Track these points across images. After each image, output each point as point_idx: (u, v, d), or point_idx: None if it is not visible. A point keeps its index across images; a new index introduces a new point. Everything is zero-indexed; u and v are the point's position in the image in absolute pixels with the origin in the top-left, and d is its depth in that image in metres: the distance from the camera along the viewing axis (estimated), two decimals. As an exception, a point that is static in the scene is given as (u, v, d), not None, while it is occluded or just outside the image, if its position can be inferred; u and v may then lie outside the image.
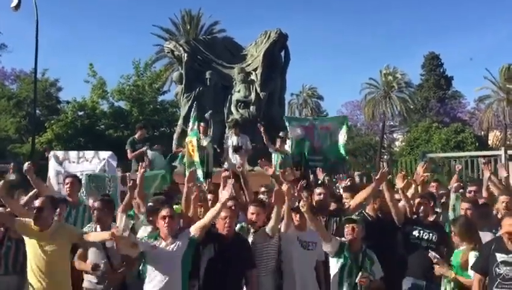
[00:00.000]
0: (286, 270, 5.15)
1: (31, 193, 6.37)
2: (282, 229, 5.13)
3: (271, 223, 5.05)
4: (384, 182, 5.73)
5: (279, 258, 5.20)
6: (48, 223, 4.64)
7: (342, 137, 10.07)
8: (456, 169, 8.65)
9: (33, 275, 4.54)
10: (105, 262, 4.91)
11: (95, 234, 4.96)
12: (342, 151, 10.04)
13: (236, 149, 9.43)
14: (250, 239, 5.14)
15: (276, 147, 9.62)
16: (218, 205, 4.64)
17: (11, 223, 4.87)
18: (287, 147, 10.28)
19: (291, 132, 10.05)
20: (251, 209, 5.27)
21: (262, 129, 9.99)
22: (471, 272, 4.64)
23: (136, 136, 10.27)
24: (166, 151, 10.70)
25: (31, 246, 4.61)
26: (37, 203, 4.69)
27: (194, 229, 4.63)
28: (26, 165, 6.35)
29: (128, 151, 9.99)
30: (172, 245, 4.51)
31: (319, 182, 7.11)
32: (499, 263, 4.27)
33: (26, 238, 4.66)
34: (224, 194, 4.69)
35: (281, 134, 10.23)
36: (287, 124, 10.35)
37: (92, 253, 5.06)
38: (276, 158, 9.63)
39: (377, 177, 5.84)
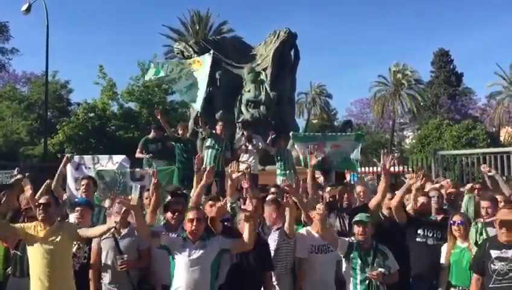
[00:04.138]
0: (299, 271, 5.21)
1: (41, 189, 6.47)
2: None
3: (287, 224, 5.09)
4: (389, 169, 5.57)
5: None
6: (53, 219, 4.70)
7: (356, 153, 9.45)
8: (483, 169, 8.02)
9: (35, 275, 4.56)
10: (119, 257, 4.93)
11: (97, 227, 4.90)
12: (355, 164, 9.65)
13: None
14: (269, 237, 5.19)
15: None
16: (249, 226, 4.34)
17: (12, 233, 4.90)
18: (289, 147, 10.14)
19: (299, 150, 9.74)
20: (268, 209, 5.30)
21: (273, 136, 9.81)
22: None
23: (150, 136, 10.24)
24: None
25: (33, 246, 4.61)
26: (42, 200, 4.77)
27: (230, 246, 4.41)
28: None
29: (138, 150, 9.97)
30: (202, 250, 4.27)
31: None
32: (493, 259, 4.37)
33: (27, 240, 4.67)
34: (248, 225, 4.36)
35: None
36: (294, 143, 9.80)
37: (105, 252, 5.07)
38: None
39: (384, 165, 5.47)
